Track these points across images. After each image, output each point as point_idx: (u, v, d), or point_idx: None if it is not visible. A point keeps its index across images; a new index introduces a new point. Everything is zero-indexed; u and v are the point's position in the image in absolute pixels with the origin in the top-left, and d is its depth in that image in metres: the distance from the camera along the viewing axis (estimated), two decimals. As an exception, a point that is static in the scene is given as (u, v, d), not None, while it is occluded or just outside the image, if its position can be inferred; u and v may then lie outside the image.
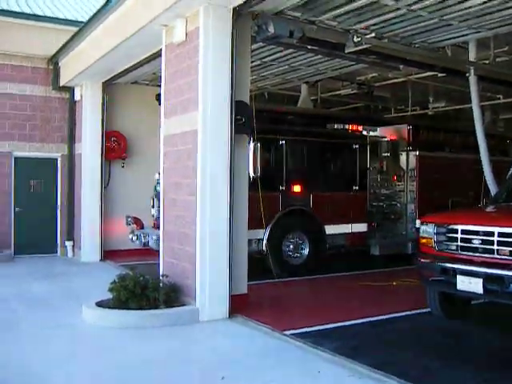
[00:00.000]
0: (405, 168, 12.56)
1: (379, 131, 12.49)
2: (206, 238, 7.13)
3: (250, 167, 9.15)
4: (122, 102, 13.12)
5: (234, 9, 7.29)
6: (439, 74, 10.96)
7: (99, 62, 10.80)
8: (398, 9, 7.66)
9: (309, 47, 9.28)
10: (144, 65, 10.59)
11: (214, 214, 7.17)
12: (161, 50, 8.65)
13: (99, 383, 5.20)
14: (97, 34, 10.56)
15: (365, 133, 12.17)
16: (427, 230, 6.96)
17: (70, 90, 13.24)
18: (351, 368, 5.34)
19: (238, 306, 7.33)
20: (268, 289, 9.11)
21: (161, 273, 7.86)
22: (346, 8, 7.71)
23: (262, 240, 10.11)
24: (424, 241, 7.03)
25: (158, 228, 10.64)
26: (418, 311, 7.57)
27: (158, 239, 9.74)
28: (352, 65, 10.86)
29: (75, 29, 11.92)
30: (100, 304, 7.28)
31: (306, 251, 10.83)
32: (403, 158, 12.62)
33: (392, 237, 12.38)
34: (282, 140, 10.67)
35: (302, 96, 13.34)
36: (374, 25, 8.37)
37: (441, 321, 7.24)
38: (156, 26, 8.16)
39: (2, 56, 12.83)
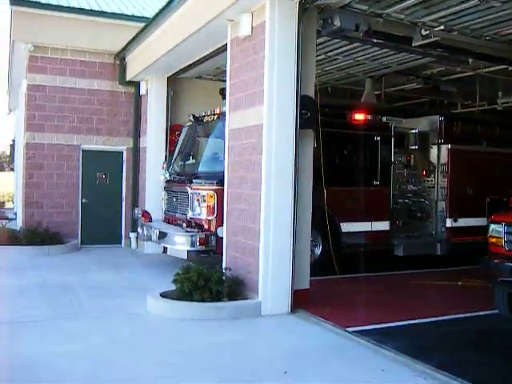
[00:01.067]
0: (436, 162, 11.63)
1: (406, 122, 11.52)
2: (270, 232, 7.15)
3: None
4: (186, 97, 13.26)
5: (300, 2, 7.26)
6: (510, 68, 10.61)
7: (164, 57, 10.98)
8: (468, 0, 7.45)
9: (374, 41, 9.14)
10: (208, 59, 10.69)
11: (278, 208, 7.18)
12: (225, 44, 8.72)
13: (166, 369, 5.29)
14: (162, 30, 10.72)
15: (389, 124, 11.17)
16: (497, 230, 6.75)
17: (136, 84, 13.51)
18: (415, 368, 5.25)
19: (300, 300, 7.32)
20: (326, 285, 8.98)
21: (223, 266, 7.94)
22: (415, 0, 7.55)
23: None
24: (493, 240, 6.82)
25: (167, 222, 10.68)
26: (485, 312, 7.34)
27: (160, 234, 9.83)
28: (419, 59, 10.64)
29: (141, 25, 12.16)
30: (164, 295, 7.42)
31: (318, 250, 10.01)
32: (434, 151, 11.68)
33: (418, 237, 11.50)
34: None
35: (366, 91, 13.14)
36: (443, 17, 8.15)
37: (509, 323, 7.02)
38: (221, 21, 8.23)
39: (72, 52, 13.25)
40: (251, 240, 7.41)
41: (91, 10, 13.49)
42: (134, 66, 12.96)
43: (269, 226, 7.15)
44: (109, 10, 13.81)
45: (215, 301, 7.14)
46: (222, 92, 11.06)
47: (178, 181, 10.38)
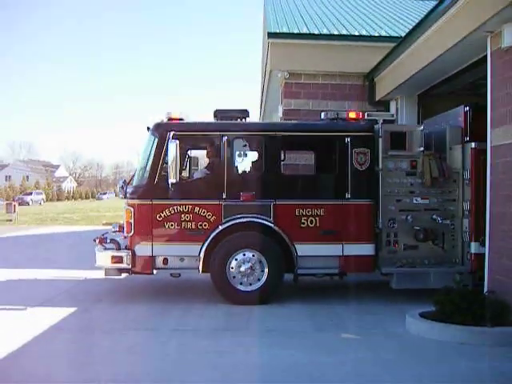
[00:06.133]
0: (460, 168, 8.89)
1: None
2: (541, 255, 6.62)
3: (169, 171, 8.35)
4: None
5: None
6: None
7: (416, 75, 10.87)
8: None
9: None
10: (462, 74, 10.33)
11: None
12: (482, 57, 8.38)
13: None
14: (414, 48, 10.68)
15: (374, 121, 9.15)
16: None
17: (385, 104, 13.58)
18: None
19: None
20: None
21: (485, 289, 7.56)
22: None
23: (199, 257, 8.65)
24: None
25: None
26: None
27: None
28: None
29: (389, 45, 12.31)
30: (423, 315, 7.29)
31: (264, 275, 8.69)
32: (457, 153, 8.94)
33: (426, 265, 8.87)
34: (224, 136, 8.77)
35: None
36: None
37: None
38: (479, 33, 7.92)
39: (323, 76, 13.87)
40: (520, 263, 6.94)
41: (340, 35, 14.08)
42: (384, 86, 13.08)
43: (540, 249, 6.63)
44: (357, 33, 14.24)
45: (477, 325, 6.80)
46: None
47: None
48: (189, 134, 9.07)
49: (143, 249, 8.71)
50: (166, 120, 9.04)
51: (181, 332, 7.27)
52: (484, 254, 8.05)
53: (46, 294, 9.69)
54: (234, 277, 8.70)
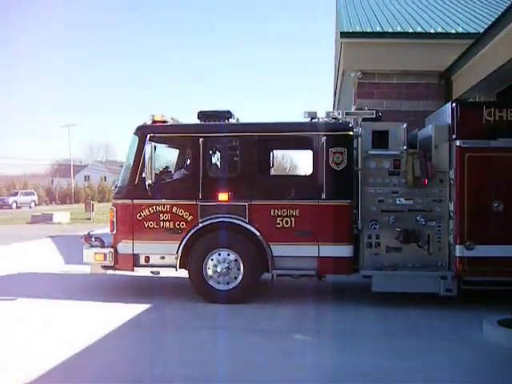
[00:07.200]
0: (447, 167, 8.46)
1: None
2: None
3: (146, 172, 8.72)
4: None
5: None
6: None
7: (495, 73, 10.53)
8: None
9: None
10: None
11: None
12: None
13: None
14: (493, 45, 10.39)
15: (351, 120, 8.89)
16: None
17: (462, 103, 13.19)
18: None
19: None
20: None
21: None
22: None
23: (176, 256, 8.85)
24: None
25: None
26: None
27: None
28: None
29: (467, 42, 11.94)
30: (503, 323, 7.00)
31: (240, 275, 8.79)
32: (443, 152, 8.45)
33: (409, 268, 8.51)
34: (200, 138, 8.93)
35: None
36: None
37: None
38: None
39: (397, 75, 13.62)
40: None
41: (415, 33, 13.81)
42: (461, 85, 12.70)
43: None
44: (432, 31, 13.90)
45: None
46: None
47: None
48: (168, 136, 9.44)
49: (125, 247, 9.04)
50: (149, 122, 9.33)
51: (251, 332, 7.32)
52: (469, 257, 8.08)
53: (122, 289, 10.06)
54: (210, 276, 8.91)
